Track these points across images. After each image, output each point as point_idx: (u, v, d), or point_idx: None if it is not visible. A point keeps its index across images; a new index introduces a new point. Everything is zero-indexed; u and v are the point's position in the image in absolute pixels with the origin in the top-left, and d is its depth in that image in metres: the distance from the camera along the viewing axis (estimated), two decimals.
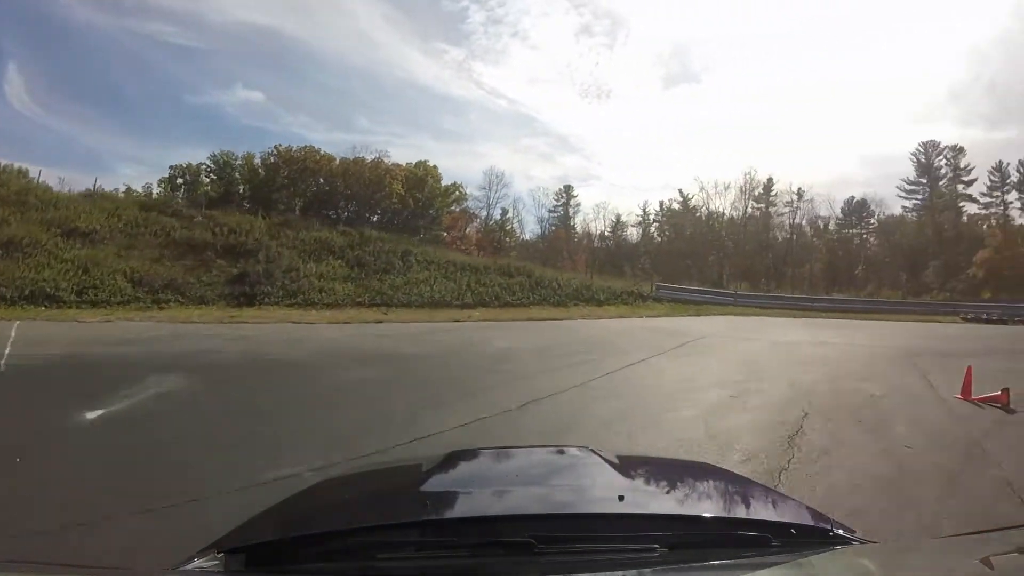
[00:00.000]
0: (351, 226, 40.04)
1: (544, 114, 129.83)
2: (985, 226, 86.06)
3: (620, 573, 1.56)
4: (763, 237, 77.47)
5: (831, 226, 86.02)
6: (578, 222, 79.02)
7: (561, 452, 3.03)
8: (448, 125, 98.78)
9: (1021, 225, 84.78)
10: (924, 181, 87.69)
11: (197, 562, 1.65)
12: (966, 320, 34.71)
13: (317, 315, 25.54)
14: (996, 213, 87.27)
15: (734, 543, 1.70)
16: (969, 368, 10.71)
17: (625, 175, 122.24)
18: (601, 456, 2.40)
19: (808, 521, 1.91)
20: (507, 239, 70.23)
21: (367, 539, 1.66)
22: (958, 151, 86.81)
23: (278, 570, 1.61)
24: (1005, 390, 9.77)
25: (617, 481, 2.14)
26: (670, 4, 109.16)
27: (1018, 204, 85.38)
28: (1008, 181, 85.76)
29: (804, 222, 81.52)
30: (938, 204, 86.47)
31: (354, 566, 1.60)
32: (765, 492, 2.51)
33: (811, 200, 79.54)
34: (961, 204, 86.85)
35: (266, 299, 27.52)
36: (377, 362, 14.73)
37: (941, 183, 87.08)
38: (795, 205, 78.39)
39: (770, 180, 76.90)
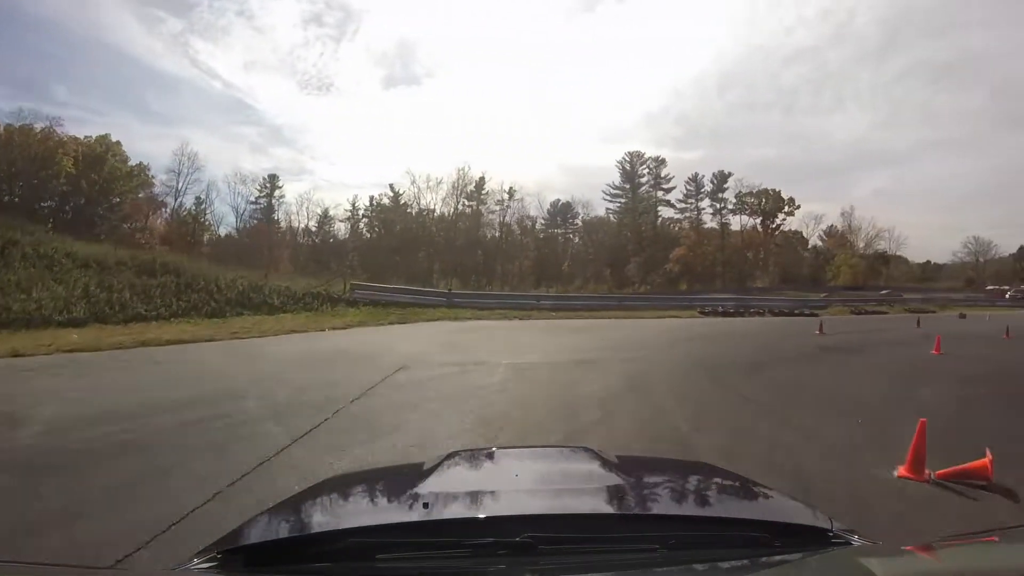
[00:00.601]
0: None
1: (260, 102, 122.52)
2: (678, 228, 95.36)
3: (620, 573, 1.54)
4: (474, 234, 77.35)
5: (538, 225, 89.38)
6: (283, 217, 72.09)
7: (561, 452, 3.18)
8: (155, 104, 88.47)
9: (711, 228, 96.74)
10: (628, 187, 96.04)
11: (197, 563, 1.61)
12: (704, 314, 32.68)
13: None
14: (691, 217, 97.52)
15: (734, 543, 1.66)
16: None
17: (340, 171, 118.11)
18: (601, 456, 2.41)
19: (808, 521, 1.82)
20: (202, 233, 61.47)
21: (366, 540, 1.60)
22: (660, 162, 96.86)
23: (277, 571, 1.58)
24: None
25: (617, 481, 2.07)
26: (403, 4, 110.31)
27: (710, 210, 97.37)
28: (702, 190, 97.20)
29: (514, 221, 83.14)
30: (640, 207, 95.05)
31: (354, 567, 1.57)
32: (765, 492, 2.23)
33: (521, 200, 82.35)
34: (660, 208, 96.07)
35: None
36: None
37: (642, 189, 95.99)
38: (506, 204, 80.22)
39: (482, 179, 77.39)
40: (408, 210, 75.63)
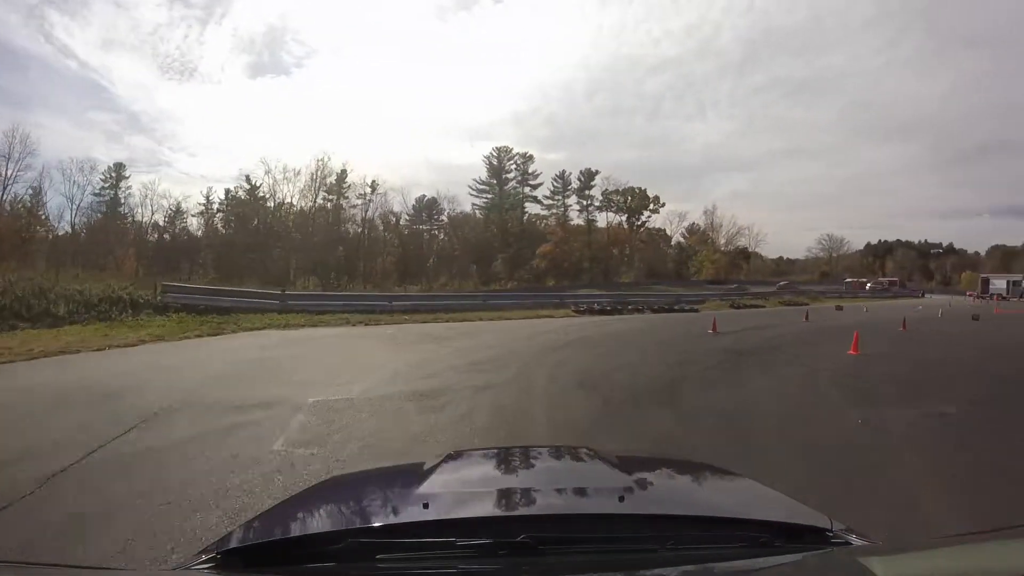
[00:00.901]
0: None
1: (118, 86, 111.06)
2: (545, 224, 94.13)
3: (620, 574, 1.51)
4: (335, 230, 72.48)
5: (403, 221, 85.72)
6: (132, 211, 64.49)
7: (561, 452, 3.03)
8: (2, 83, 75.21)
9: (578, 225, 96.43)
10: (495, 182, 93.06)
11: (196, 563, 1.61)
12: (579, 312, 28.79)
13: None
14: (557, 213, 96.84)
15: (734, 543, 1.63)
16: None
17: (201, 164, 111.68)
18: (601, 456, 2.40)
19: (808, 521, 1.78)
20: (39, 228, 54.21)
21: (366, 540, 1.58)
22: (527, 158, 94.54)
23: (277, 571, 1.58)
24: None
25: (617, 481, 2.04)
26: None
27: (576, 207, 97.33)
28: (569, 187, 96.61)
29: (377, 217, 79.24)
30: (507, 203, 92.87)
31: (354, 567, 1.55)
32: (766, 492, 2.20)
33: (384, 194, 78.41)
34: (527, 205, 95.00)
35: None
36: None
37: (509, 185, 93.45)
38: (368, 198, 75.91)
39: (344, 171, 72.92)
40: (264, 203, 68.92)
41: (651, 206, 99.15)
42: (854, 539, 1.70)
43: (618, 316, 27.60)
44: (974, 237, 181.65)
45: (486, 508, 1.80)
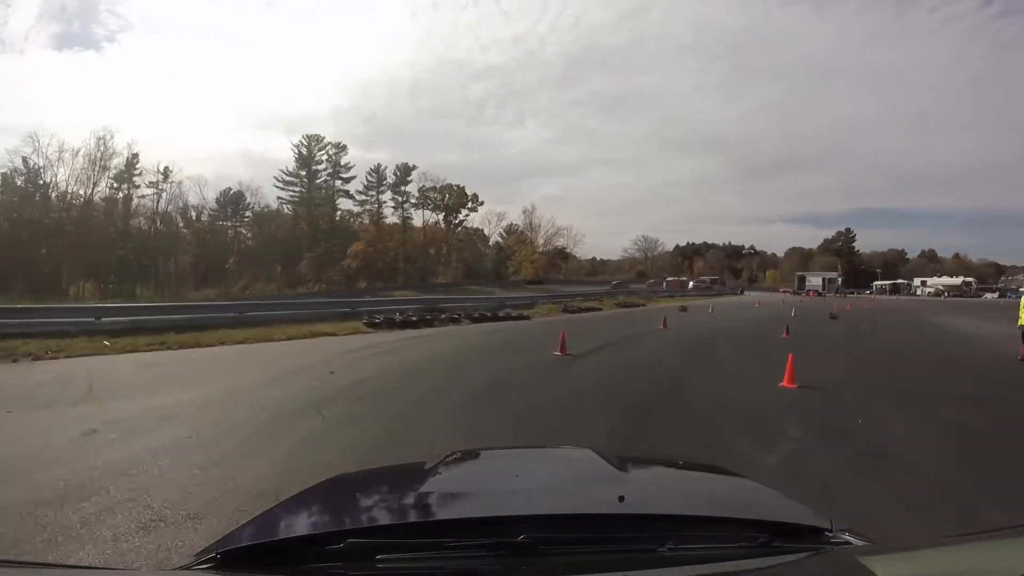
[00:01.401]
0: None
1: None
2: (358, 222, 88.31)
3: (620, 574, 1.48)
4: (119, 225, 60.71)
5: (204, 217, 78.07)
6: None
7: (561, 452, 3.07)
8: None
9: (393, 223, 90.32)
10: (303, 174, 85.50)
11: (196, 563, 1.60)
12: (373, 326, 20.42)
13: None
14: (371, 210, 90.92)
15: (734, 543, 1.63)
16: None
17: None
18: (601, 456, 2.37)
19: (809, 521, 1.78)
20: None
21: (366, 540, 1.56)
22: (340, 148, 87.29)
23: (277, 571, 1.55)
24: None
25: (617, 481, 2.09)
26: None
27: (391, 204, 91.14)
28: (384, 182, 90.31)
29: (174, 211, 69.92)
30: (316, 197, 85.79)
31: (353, 568, 1.51)
32: (766, 492, 2.23)
33: (179, 183, 69.15)
34: (339, 200, 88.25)
35: None
36: None
37: (320, 179, 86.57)
38: (160, 187, 65.41)
39: (135, 155, 61.34)
40: (33, 189, 54.91)
41: (469, 204, 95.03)
42: (854, 539, 1.71)
43: (427, 330, 20.31)
44: (772, 240, 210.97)
45: (486, 508, 1.79)
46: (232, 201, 78.42)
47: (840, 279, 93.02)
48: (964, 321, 30.39)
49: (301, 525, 1.85)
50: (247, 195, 78.25)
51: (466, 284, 78.53)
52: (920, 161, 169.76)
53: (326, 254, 78.53)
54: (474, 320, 23.88)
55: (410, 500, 1.92)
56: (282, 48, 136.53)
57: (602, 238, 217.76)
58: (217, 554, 1.58)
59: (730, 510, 1.91)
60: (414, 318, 22.19)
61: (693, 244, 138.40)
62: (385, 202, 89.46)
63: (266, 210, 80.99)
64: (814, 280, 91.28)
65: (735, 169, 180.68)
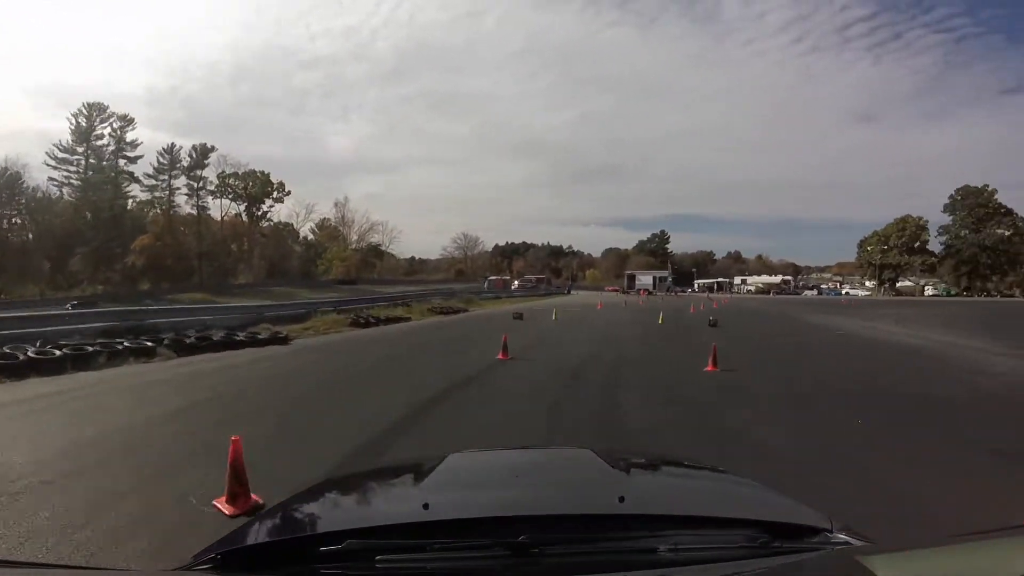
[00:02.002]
0: None
1: None
2: (148, 212, 75.73)
3: (620, 574, 1.47)
4: None
5: None
6: None
7: (561, 453, 3.20)
8: None
9: (189, 213, 76.87)
10: (82, 150, 70.41)
11: (196, 564, 1.59)
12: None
13: None
14: (162, 198, 76.87)
15: (734, 543, 1.61)
16: None
17: None
18: (602, 457, 2.37)
19: (809, 522, 1.76)
20: None
21: (366, 540, 1.55)
22: (127, 121, 72.60)
23: (277, 572, 1.55)
24: None
25: (617, 482, 2.14)
26: None
27: (186, 190, 77.07)
28: (179, 164, 76.29)
29: None
30: (95, 180, 70.55)
31: (353, 568, 1.50)
32: (766, 492, 2.23)
33: None
34: (127, 186, 74.01)
35: None
36: None
37: (105, 160, 72.07)
38: None
39: None
40: None
41: (275, 194, 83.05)
42: (854, 539, 1.70)
43: (80, 378, 11.05)
44: (588, 241, 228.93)
45: (486, 508, 1.78)
46: (7, 184, 62.77)
47: (671, 278, 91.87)
48: (862, 325, 27.17)
49: (300, 526, 1.85)
50: (23, 177, 64.09)
51: (270, 284, 69.45)
52: (726, 173, 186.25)
53: (104, 248, 65.36)
54: (194, 348, 14.39)
55: (409, 500, 1.92)
56: (85, 13, 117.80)
57: (424, 237, 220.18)
58: (217, 555, 1.56)
59: (730, 510, 1.88)
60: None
61: (513, 244, 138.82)
62: (179, 188, 76.31)
63: (41, 194, 67.37)
64: (644, 279, 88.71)
65: (557, 173, 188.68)
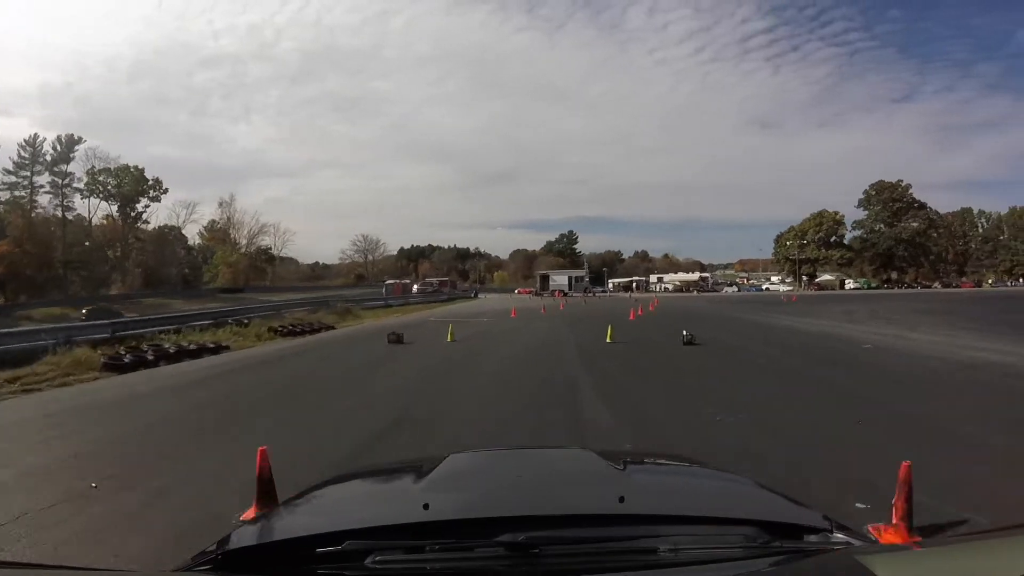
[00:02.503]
0: None
1: None
2: (8, 215, 65.97)
3: (620, 574, 1.46)
4: None
5: None
6: None
7: (561, 453, 3.13)
8: None
9: (55, 216, 68.44)
10: None
11: (196, 564, 1.59)
12: None
13: None
14: (22, 197, 68.21)
15: (735, 543, 1.58)
16: None
17: None
18: (602, 457, 2.33)
19: (810, 522, 1.73)
20: None
21: (366, 541, 1.53)
22: None
23: (277, 572, 1.52)
24: None
25: (618, 482, 2.04)
26: None
27: (49, 187, 68.91)
28: (42, 159, 67.78)
29: None
30: None
31: (353, 568, 1.48)
32: (766, 492, 2.15)
33: None
34: None
35: None
36: None
37: None
38: None
39: None
40: None
41: (151, 192, 74.32)
42: (854, 539, 1.68)
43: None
44: (495, 244, 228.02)
45: (485, 509, 1.76)
46: None
47: (588, 277, 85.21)
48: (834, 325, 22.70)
49: (300, 526, 1.80)
50: None
51: (148, 293, 62.82)
52: (630, 176, 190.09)
53: None
54: None
55: (409, 500, 1.84)
56: None
57: (332, 242, 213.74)
58: (217, 555, 1.55)
59: (730, 510, 1.84)
60: None
61: (418, 246, 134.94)
62: (42, 187, 66.92)
63: None
64: (559, 279, 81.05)
65: (464, 176, 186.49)
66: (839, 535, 1.65)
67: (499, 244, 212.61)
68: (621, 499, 1.68)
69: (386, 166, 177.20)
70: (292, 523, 1.88)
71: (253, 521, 1.97)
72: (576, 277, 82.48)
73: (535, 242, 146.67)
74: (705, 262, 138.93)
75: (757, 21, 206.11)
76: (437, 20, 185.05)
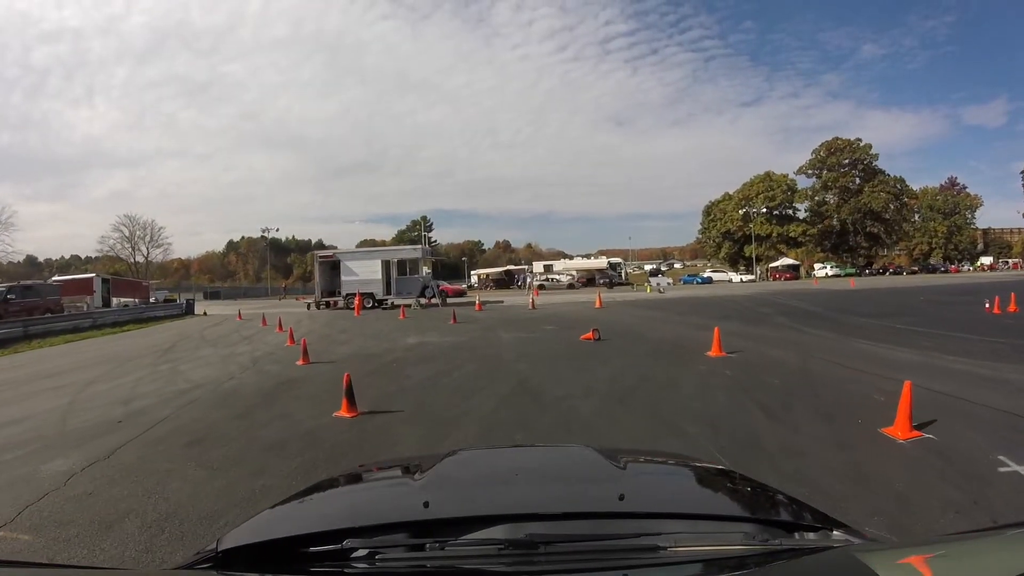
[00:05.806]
0: None
1: None
2: None
3: (621, 573, 1.42)
4: None
5: None
6: None
7: (561, 451, 3.00)
8: None
9: None
10: None
11: (196, 563, 1.55)
12: None
13: None
14: None
15: (735, 542, 1.55)
16: None
17: None
18: (602, 455, 2.23)
19: (810, 521, 1.72)
20: None
21: (366, 539, 1.50)
22: None
23: (277, 570, 1.48)
24: None
25: (618, 479, 1.98)
26: None
27: None
28: None
29: None
30: None
31: (353, 566, 1.45)
32: (767, 491, 2.12)
33: None
34: None
35: None
36: None
37: None
38: None
39: None
40: None
41: None
42: (854, 538, 1.64)
43: None
44: (354, 239, 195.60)
45: (486, 507, 1.73)
46: None
47: (431, 256, 46.59)
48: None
49: (301, 523, 1.74)
50: None
51: None
52: (488, 169, 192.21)
53: None
54: None
55: (410, 498, 1.81)
56: None
57: (180, 239, 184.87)
58: (218, 553, 1.50)
59: (731, 509, 1.85)
60: None
61: (250, 237, 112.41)
62: None
63: None
64: (356, 265, 52.15)
65: (318, 168, 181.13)
66: (838, 533, 1.61)
67: (356, 239, 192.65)
68: (621, 497, 1.63)
69: (237, 156, 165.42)
70: (292, 521, 1.79)
71: (254, 519, 1.78)
72: (401, 260, 38.53)
73: (391, 235, 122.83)
74: (570, 253, 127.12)
75: (619, 24, 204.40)
76: (297, 0, 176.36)
